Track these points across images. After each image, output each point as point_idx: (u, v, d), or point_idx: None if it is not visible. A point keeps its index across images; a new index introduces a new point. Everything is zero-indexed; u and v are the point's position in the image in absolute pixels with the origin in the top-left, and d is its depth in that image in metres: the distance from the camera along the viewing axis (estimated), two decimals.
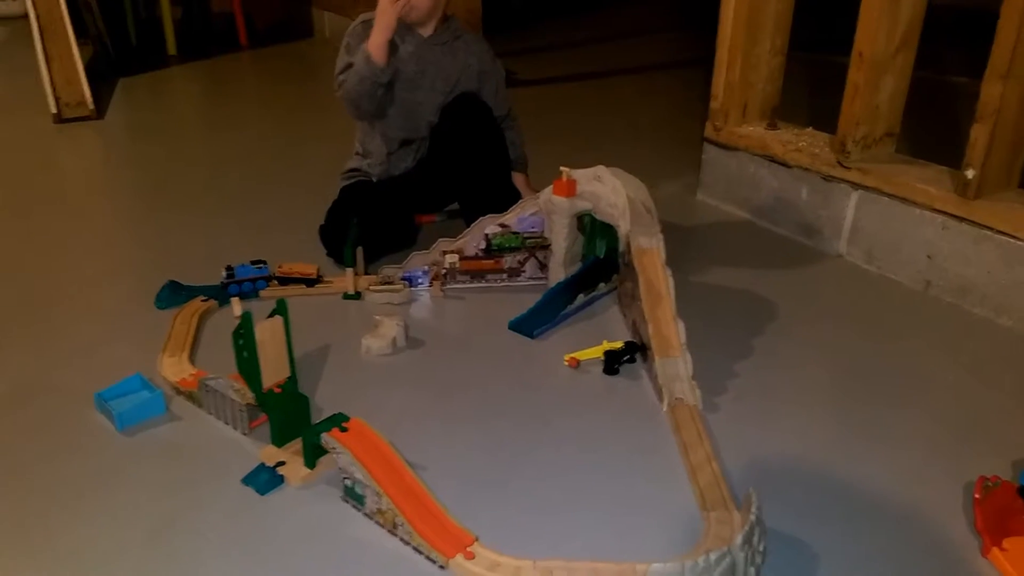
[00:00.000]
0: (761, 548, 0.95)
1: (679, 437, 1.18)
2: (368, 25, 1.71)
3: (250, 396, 1.15)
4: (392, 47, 1.68)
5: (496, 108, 1.82)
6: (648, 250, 1.42)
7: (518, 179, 1.87)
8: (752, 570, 0.93)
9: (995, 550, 0.97)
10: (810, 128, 1.92)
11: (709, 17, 2.01)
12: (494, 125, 1.79)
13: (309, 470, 1.10)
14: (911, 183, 1.62)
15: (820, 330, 1.49)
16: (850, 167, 1.71)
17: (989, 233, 1.50)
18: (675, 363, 1.29)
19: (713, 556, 0.87)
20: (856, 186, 1.71)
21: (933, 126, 2.29)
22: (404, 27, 1.71)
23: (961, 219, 1.54)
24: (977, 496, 1.03)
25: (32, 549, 0.99)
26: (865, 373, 1.37)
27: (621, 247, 1.49)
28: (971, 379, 1.35)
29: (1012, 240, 1.47)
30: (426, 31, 1.76)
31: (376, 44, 1.66)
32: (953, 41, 3.21)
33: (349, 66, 1.72)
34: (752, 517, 0.93)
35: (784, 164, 1.86)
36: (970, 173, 1.50)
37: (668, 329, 1.32)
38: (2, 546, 1.00)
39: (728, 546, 0.89)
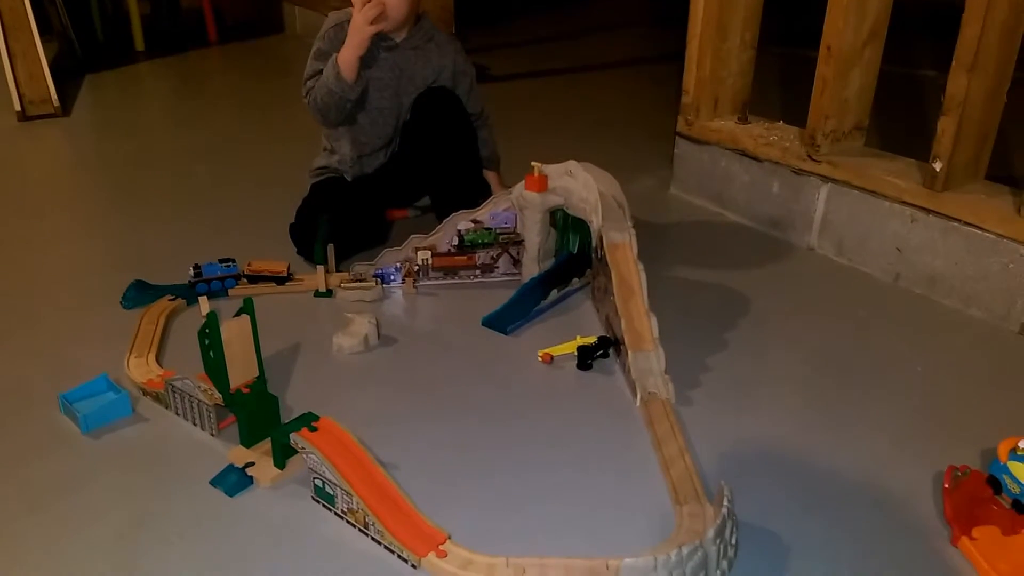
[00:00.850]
0: (733, 541, 0.95)
1: (652, 431, 1.18)
2: (340, 29, 1.68)
3: (218, 396, 1.13)
4: (363, 61, 1.65)
5: (468, 107, 1.80)
6: (620, 244, 1.41)
7: (490, 177, 1.86)
8: (724, 563, 0.93)
9: (964, 539, 0.98)
10: (781, 122, 1.93)
11: (679, 12, 2.01)
12: (465, 117, 1.78)
13: (279, 470, 1.08)
14: (880, 176, 1.63)
15: (792, 323, 1.50)
16: (820, 160, 1.72)
17: (957, 225, 1.52)
18: (648, 357, 1.29)
19: (685, 550, 0.87)
20: (826, 179, 1.72)
21: (902, 119, 2.31)
22: (376, 34, 1.67)
23: (929, 211, 1.55)
24: (947, 486, 1.04)
25: None
26: (837, 364, 1.38)
27: (593, 242, 1.49)
28: (941, 369, 1.36)
29: (979, 232, 1.48)
30: (399, 35, 1.73)
31: (347, 60, 1.63)
32: (921, 35, 3.25)
33: (318, 73, 1.69)
34: (724, 510, 0.93)
35: (755, 158, 1.87)
36: (937, 165, 1.52)
37: (641, 323, 1.32)
38: None
39: (700, 540, 0.89)
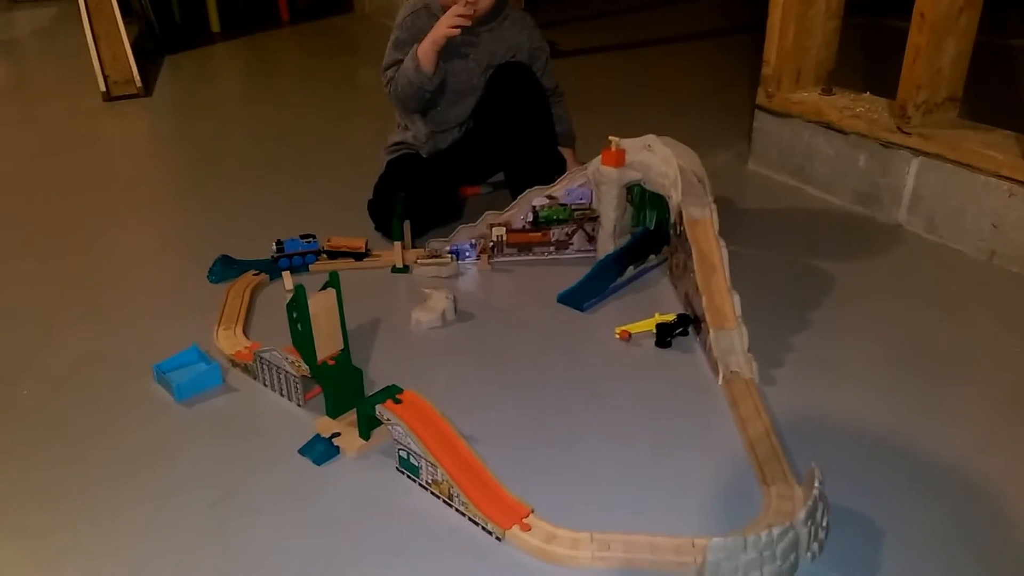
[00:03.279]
0: (824, 523, 0.93)
1: (736, 411, 1.16)
2: (417, 16, 1.69)
3: (304, 368, 1.15)
4: (441, 52, 1.66)
5: (544, 83, 1.79)
6: (701, 220, 1.39)
7: (566, 153, 1.84)
8: (815, 545, 0.91)
9: None
10: (867, 93, 1.86)
11: None
12: (540, 92, 1.76)
13: (364, 441, 1.10)
14: (975, 149, 1.56)
15: (879, 302, 1.45)
16: (910, 133, 1.65)
17: None
18: (730, 335, 1.26)
19: (776, 531, 0.86)
20: (917, 152, 1.65)
21: (995, 91, 2.20)
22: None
23: None
24: None
25: (94, 520, 1.01)
26: (926, 347, 1.33)
27: (672, 218, 1.47)
28: None
29: None
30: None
31: (426, 52, 1.64)
32: (1014, 2, 3.08)
33: (397, 63, 1.70)
34: (815, 492, 0.91)
35: (840, 131, 1.80)
36: None
37: (723, 301, 1.29)
38: (65, 517, 1.02)
39: (791, 521, 0.88)
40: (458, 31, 1.63)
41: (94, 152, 2.38)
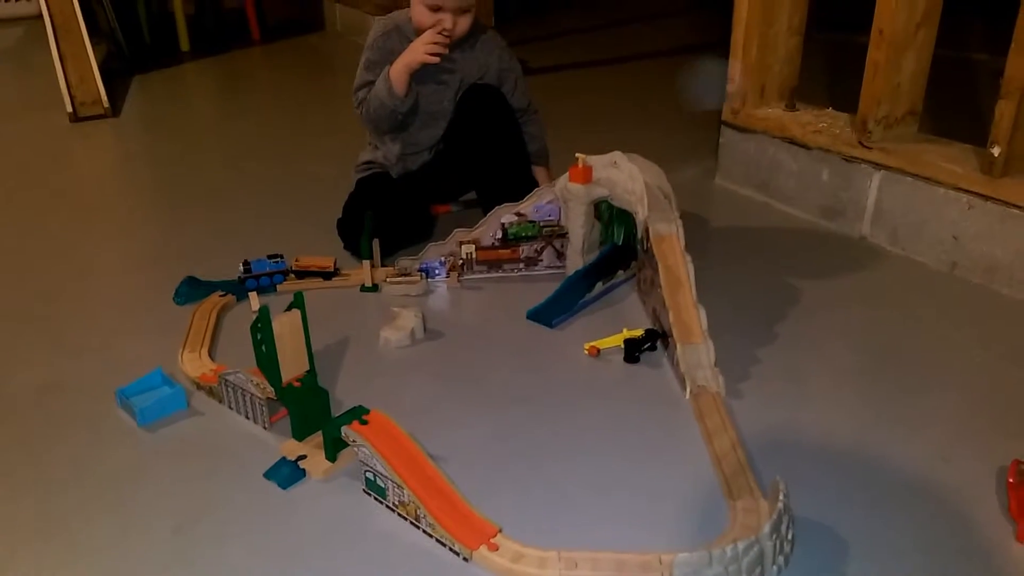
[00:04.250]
0: (789, 536, 0.94)
1: (703, 425, 1.17)
2: (388, 37, 1.70)
3: (270, 390, 1.14)
4: (414, 76, 1.66)
5: (516, 102, 1.80)
6: (667, 236, 1.40)
7: (539, 173, 1.85)
8: (781, 559, 0.91)
9: None
10: (830, 108, 1.89)
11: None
12: (509, 112, 1.77)
13: (331, 463, 1.09)
14: (935, 162, 1.59)
15: (844, 314, 1.47)
16: (872, 147, 1.68)
17: (1016, 211, 1.47)
18: (697, 350, 1.27)
19: (741, 545, 0.86)
20: (878, 166, 1.68)
21: (955, 105, 2.25)
22: None
23: (987, 198, 1.51)
24: (1011, 480, 1.01)
25: (55, 546, 0.99)
26: (891, 357, 1.34)
27: (639, 234, 1.48)
28: (1000, 361, 1.32)
29: None
30: None
31: (399, 75, 1.65)
32: (971, 17, 3.15)
33: (368, 84, 1.70)
34: (780, 505, 0.91)
35: (804, 146, 1.83)
36: (996, 150, 1.47)
37: (689, 315, 1.30)
38: (25, 542, 1.00)
39: (756, 535, 0.88)
40: (437, 59, 1.64)
41: (60, 173, 2.36)
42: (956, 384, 1.27)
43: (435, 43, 1.62)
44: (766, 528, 0.89)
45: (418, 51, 1.63)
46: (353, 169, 1.86)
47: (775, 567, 0.91)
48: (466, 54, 1.75)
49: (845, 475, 1.08)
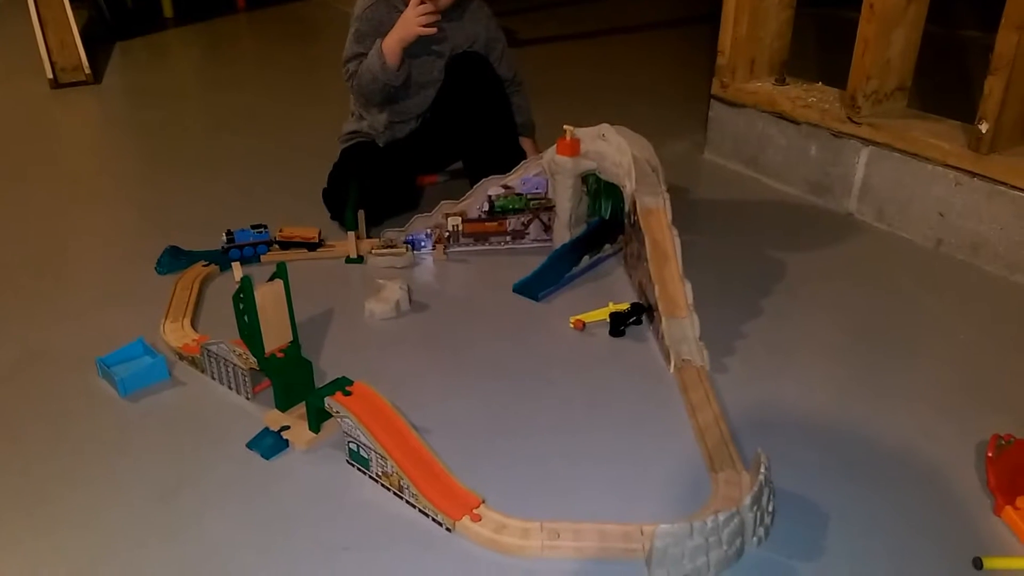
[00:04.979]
0: (770, 508, 0.94)
1: (687, 398, 1.17)
2: (376, 8, 1.67)
3: (253, 361, 1.13)
4: (407, 49, 1.64)
5: (502, 73, 1.78)
6: (654, 210, 1.39)
7: (526, 144, 1.84)
8: (761, 530, 0.92)
9: (1008, 508, 0.96)
10: (819, 83, 1.88)
11: None
12: (497, 81, 1.75)
13: (314, 434, 1.09)
14: (923, 138, 1.58)
15: (830, 289, 1.47)
16: (860, 123, 1.67)
17: (1003, 188, 1.47)
18: (682, 324, 1.27)
19: (722, 516, 0.87)
20: (867, 142, 1.68)
21: (944, 81, 2.24)
22: None
23: (974, 175, 1.51)
24: (990, 454, 1.02)
25: (36, 518, 0.99)
26: (875, 332, 1.35)
27: (627, 207, 1.47)
28: (984, 337, 1.33)
29: None
30: None
31: (392, 49, 1.62)
32: None
33: (358, 55, 1.68)
34: (761, 477, 0.92)
35: (793, 121, 1.82)
36: (984, 127, 1.47)
37: (675, 289, 1.30)
38: (5, 514, 0.99)
39: (737, 507, 0.89)
40: (433, 30, 1.62)
41: (40, 141, 2.32)
42: (939, 360, 1.28)
43: (427, 13, 1.60)
44: (747, 500, 0.89)
45: (411, 23, 1.61)
46: (338, 139, 1.84)
47: (755, 539, 0.92)
48: (454, 24, 1.73)
49: (827, 449, 1.09)
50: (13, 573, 0.92)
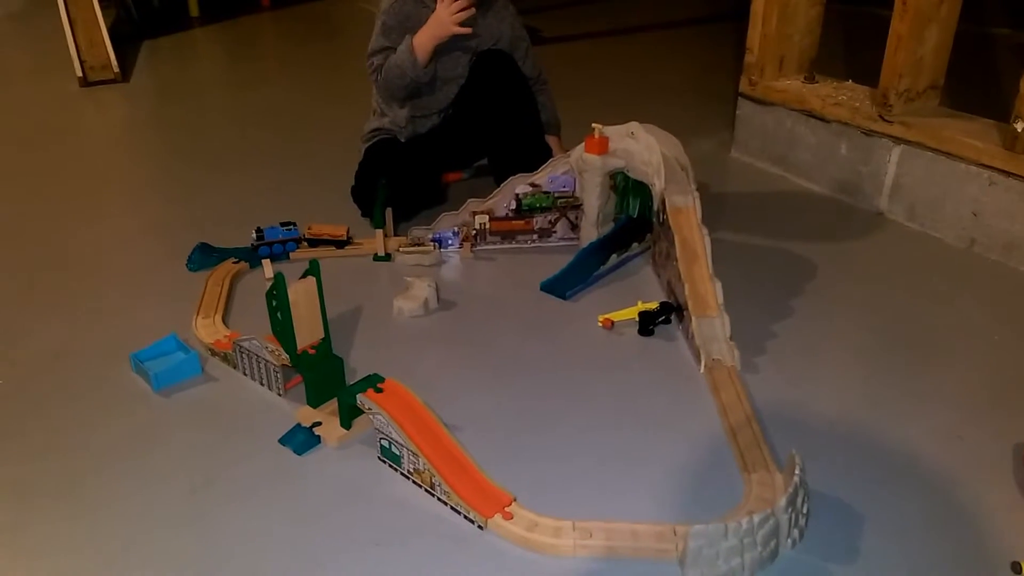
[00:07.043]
0: (804, 510, 0.94)
1: (718, 398, 1.16)
2: (404, 2, 1.67)
3: (284, 357, 1.14)
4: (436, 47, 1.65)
5: (527, 71, 1.78)
6: (683, 208, 1.38)
7: (551, 142, 1.83)
8: (796, 532, 0.91)
9: None
10: (850, 81, 1.86)
11: None
12: (522, 79, 1.75)
13: (345, 430, 1.10)
14: (956, 137, 1.56)
15: (860, 289, 1.46)
16: (892, 121, 1.66)
17: None
18: (712, 323, 1.26)
19: (757, 518, 0.86)
20: (898, 140, 1.66)
21: (977, 79, 2.21)
22: None
23: (1009, 174, 1.49)
24: None
25: (72, 511, 1.00)
26: (907, 333, 1.34)
27: (655, 206, 1.46)
28: (1018, 338, 1.31)
29: None
30: None
31: (423, 46, 1.63)
32: None
33: (384, 49, 1.68)
34: (795, 479, 0.91)
35: (822, 119, 1.81)
36: (1019, 126, 1.45)
37: (705, 289, 1.29)
38: (42, 506, 1.01)
39: (772, 508, 0.88)
40: (468, 28, 1.62)
41: (70, 138, 2.34)
42: (972, 361, 1.26)
43: (460, 11, 1.60)
44: (782, 501, 0.88)
45: (446, 22, 1.61)
46: (360, 139, 1.84)
47: (790, 540, 0.91)
48: (478, 22, 1.73)
49: (860, 450, 1.08)
50: (48, 556, 0.93)
